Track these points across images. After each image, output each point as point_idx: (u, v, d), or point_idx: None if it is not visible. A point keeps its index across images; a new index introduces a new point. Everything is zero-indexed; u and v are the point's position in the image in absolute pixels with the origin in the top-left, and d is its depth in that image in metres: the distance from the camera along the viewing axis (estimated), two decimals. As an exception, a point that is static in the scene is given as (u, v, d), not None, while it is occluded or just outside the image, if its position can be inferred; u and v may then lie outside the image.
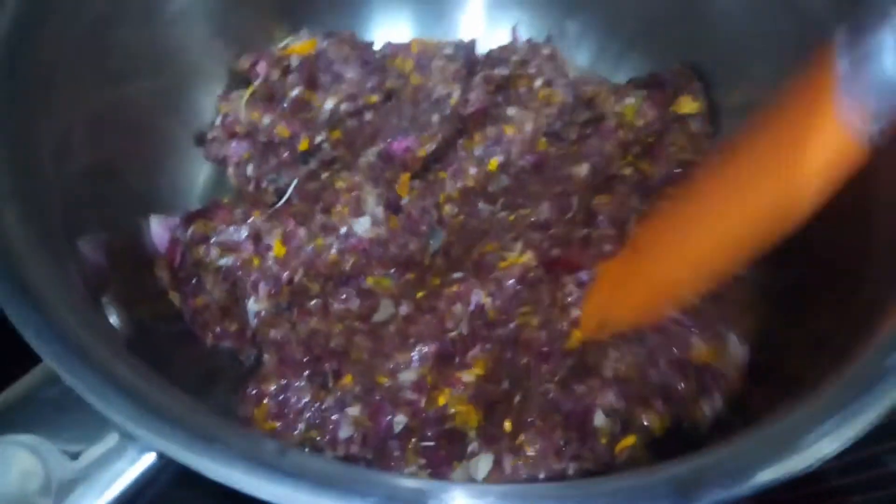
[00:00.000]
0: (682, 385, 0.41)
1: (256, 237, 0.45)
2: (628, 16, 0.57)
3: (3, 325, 0.28)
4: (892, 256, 0.35)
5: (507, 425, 0.40)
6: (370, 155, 0.52)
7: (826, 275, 0.41)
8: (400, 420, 0.41)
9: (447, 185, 0.52)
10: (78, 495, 0.29)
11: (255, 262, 0.45)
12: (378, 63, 0.55)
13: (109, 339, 0.29)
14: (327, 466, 0.26)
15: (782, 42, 0.48)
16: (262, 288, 0.45)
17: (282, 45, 0.54)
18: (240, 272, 0.45)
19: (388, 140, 0.52)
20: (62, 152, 0.38)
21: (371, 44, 0.57)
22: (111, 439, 0.30)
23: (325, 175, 0.51)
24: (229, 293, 0.45)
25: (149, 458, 0.30)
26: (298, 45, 0.54)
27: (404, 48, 0.56)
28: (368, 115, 0.54)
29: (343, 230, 0.48)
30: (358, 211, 0.48)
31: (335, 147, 0.53)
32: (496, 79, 0.56)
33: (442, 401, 0.43)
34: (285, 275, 0.45)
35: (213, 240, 0.45)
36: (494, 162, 0.53)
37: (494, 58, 0.58)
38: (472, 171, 0.52)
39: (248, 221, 0.45)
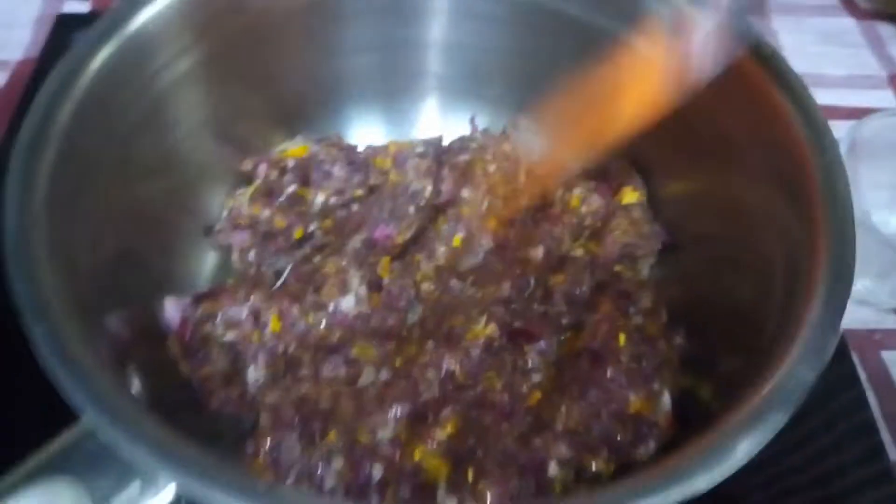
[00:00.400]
0: (621, 434, 0.48)
1: (256, 315, 0.53)
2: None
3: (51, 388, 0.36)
4: (788, 301, 0.42)
5: (470, 475, 0.47)
6: (356, 241, 0.60)
7: (732, 336, 0.48)
8: (377, 472, 0.47)
9: (422, 266, 0.59)
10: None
11: (255, 336, 0.52)
12: (361, 162, 0.64)
13: (134, 402, 0.37)
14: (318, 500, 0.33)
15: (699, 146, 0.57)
16: (261, 359, 0.52)
17: (279, 149, 0.63)
18: (241, 346, 0.52)
19: (371, 228, 0.60)
20: (93, 244, 0.46)
21: (355, 147, 0.65)
22: (135, 487, 0.37)
23: (316, 259, 0.58)
24: (232, 364, 0.52)
25: (167, 495, 0.36)
26: (293, 150, 0.62)
27: (383, 149, 0.65)
28: (355, 207, 0.62)
29: (331, 307, 0.55)
30: (344, 290, 0.56)
31: (326, 234, 0.61)
32: (460, 165, 0.65)
33: (417, 456, 0.49)
34: (280, 347, 0.52)
35: (218, 318, 0.52)
36: (458, 239, 0.60)
37: (456, 147, 0.67)
38: (441, 250, 0.59)
39: (249, 302, 0.53)
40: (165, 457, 0.33)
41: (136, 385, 0.42)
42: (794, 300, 0.42)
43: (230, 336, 0.52)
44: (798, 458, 0.55)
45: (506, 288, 0.57)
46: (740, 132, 0.52)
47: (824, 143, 0.47)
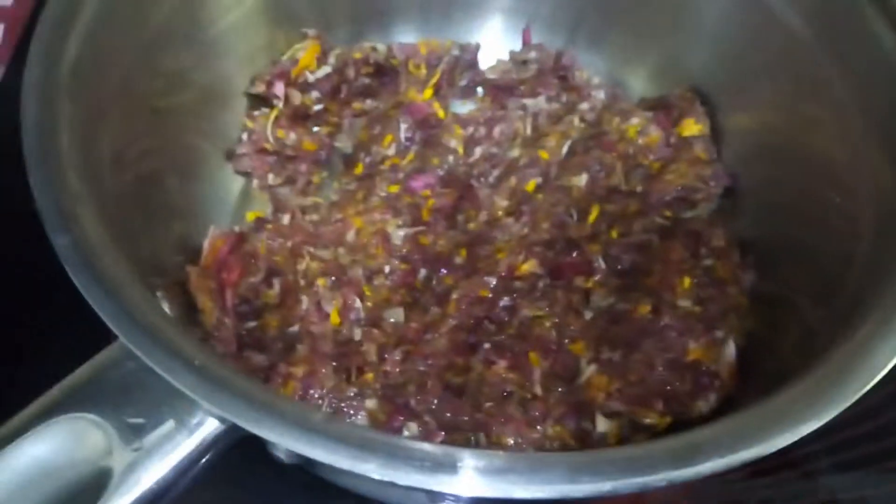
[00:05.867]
0: (679, 384, 0.46)
1: (318, 304, 0.50)
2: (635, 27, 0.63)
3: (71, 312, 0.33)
4: (874, 259, 0.40)
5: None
6: (384, 189, 0.57)
7: (813, 277, 0.46)
8: (411, 429, 0.46)
9: (478, 218, 0.57)
10: (140, 467, 0.33)
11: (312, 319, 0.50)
12: (392, 72, 0.61)
13: (172, 321, 0.34)
14: (367, 434, 0.30)
15: (776, 63, 0.53)
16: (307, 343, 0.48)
17: (288, 54, 0.59)
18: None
19: (404, 177, 0.57)
20: (116, 164, 0.43)
21: (375, 47, 0.62)
22: (169, 421, 0.34)
23: (341, 215, 0.55)
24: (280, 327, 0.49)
25: (202, 434, 0.34)
26: (304, 54, 0.58)
27: (413, 50, 0.62)
28: (390, 151, 0.59)
29: (387, 268, 0.53)
30: (388, 247, 0.53)
31: (348, 182, 0.59)
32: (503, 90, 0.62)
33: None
34: (343, 333, 0.50)
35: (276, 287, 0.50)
36: (533, 183, 0.57)
37: (507, 73, 0.64)
38: (504, 203, 0.56)
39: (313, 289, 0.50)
40: (208, 380, 0.30)
41: (166, 307, 0.39)
42: (882, 261, 0.39)
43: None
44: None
45: (545, 228, 0.54)
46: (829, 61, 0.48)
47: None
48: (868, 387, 0.33)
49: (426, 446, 0.29)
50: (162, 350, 0.31)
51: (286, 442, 0.29)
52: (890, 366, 0.34)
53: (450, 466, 0.29)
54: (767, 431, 0.31)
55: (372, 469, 0.28)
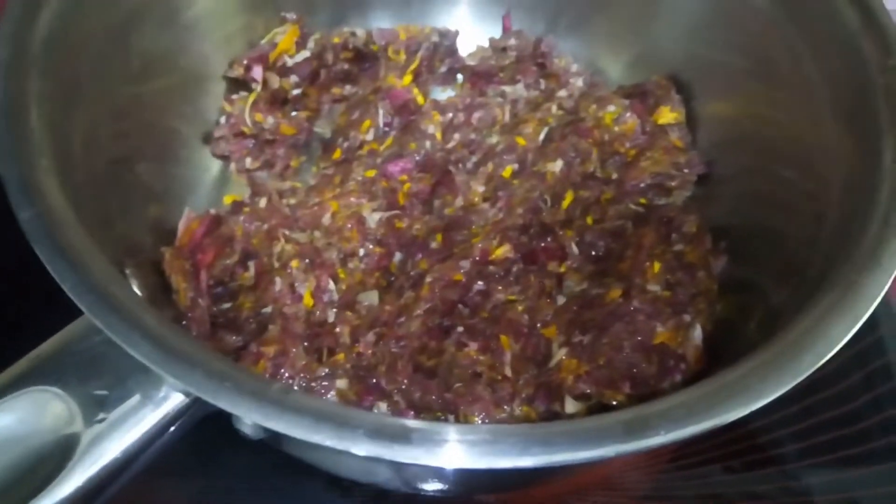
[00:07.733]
0: (645, 367, 0.46)
1: (291, 286, 0.50)
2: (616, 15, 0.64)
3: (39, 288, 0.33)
4: (837, 241, 0.41)
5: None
6: (361, 173, 0.57)
7: (781, 262, 0.46)
8: (381, 409, 0.47)
9: (455, 203, 0.57)
10: (105, 438, 0.34)
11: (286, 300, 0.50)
12: (371, 57, 0.62)
13: (136, 295, 0.35)
14: (320, 404, 0.31)
15: (750, 47, 0.54)
16: (280, 323, 0.48)
17: (266, 39, 0.60)
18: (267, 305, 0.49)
19: (381, 162, 0.58)
20: (89, 143, 0.43)
21: (354, 32, 0.62)
22: (136, 394, 0.35)
23: (318, 199, 0.56)
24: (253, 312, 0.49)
25: (167, 407, 0.35)
26: (283, 38, 0.59)
27: (393, 35, 0.63)
28: (368, 137, 0.60)
29: (361, 251, 0.54)
30: (363, 231, 0.54)
31: (326, 167, 0.60)
32: (482, 77, 0.63)
33: None
34: (317, 315, 0.50)
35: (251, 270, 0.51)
36: (509, 169, 0.58)
37: (486, 59, 0.65)
38: (480, 189, 0.57)
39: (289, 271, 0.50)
40: (166, 350, 0.31)
41: (134, 286, 0.40)
42: (844, 243, 0.40)
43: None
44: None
45: (519, 213, 0.55)
46: (799, 41, 0.49)
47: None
48: (823, 360, 0.34)
49: (372, 415, 0.30)
50: (121, 320, 0.31)
51: (242, 411, 0.30)
52: (844, 341, 0.34)
53: (393, 435, 0.29)
54: (719, 405, 0.32)
55: (324, 438, 0.29)
